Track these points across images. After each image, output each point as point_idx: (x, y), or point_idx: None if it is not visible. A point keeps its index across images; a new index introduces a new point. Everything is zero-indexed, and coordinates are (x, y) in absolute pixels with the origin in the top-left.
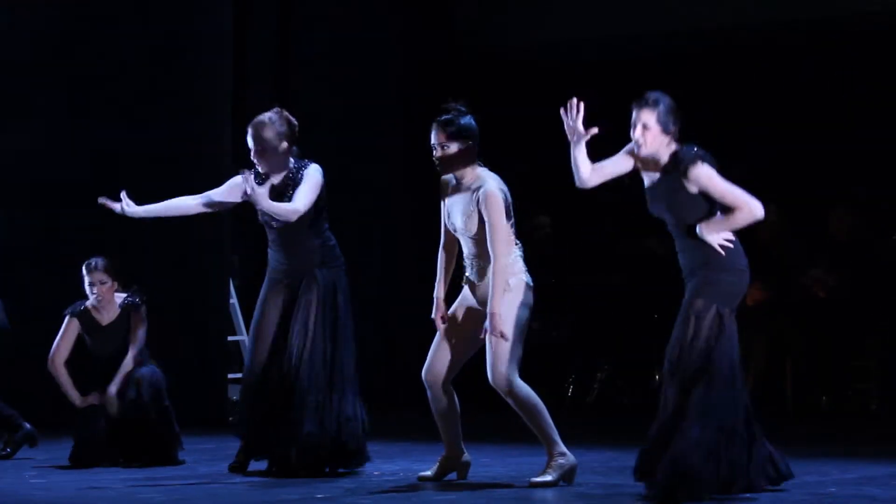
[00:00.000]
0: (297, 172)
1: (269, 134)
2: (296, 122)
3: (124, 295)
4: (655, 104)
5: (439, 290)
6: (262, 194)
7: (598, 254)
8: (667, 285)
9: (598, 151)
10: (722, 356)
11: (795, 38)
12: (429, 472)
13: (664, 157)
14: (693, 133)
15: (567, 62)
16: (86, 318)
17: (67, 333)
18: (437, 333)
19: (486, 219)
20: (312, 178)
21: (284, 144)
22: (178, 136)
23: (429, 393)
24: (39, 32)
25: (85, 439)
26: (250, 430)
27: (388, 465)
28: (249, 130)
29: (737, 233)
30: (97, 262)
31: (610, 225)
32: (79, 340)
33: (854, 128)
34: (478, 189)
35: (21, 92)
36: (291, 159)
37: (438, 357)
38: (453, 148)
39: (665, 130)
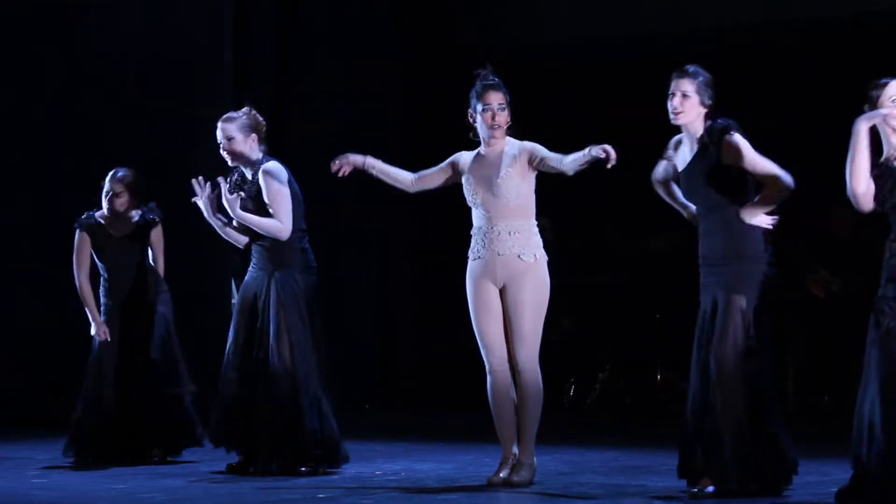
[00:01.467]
0: (257, 171)
1: (234, 126)
2: (263, 122)
3: (140, 212)
4: (695, 75)
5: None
6: (235, 203)
7: (599, 254)
8: (668, 285)
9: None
10: (763, 354)
11: (795, 38)
12: (494, 476)
13: (699, 130)
14: None
15: (568, 62)
16: (97, 230)
17: (82, 247)
18: (478, 323)
19: (537, 155)
20: (278, 186)
21: (252, 137)
22: (178, 147)
23: (494, 379)
24: (39, 35)
25: (84, 429)
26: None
27: (390, 464)
28: (219, 124)
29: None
30: (122, 172)
31: (611, 225)
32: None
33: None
34: (515, 147)
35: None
36: (260, 155)
37: (495, 340)
38: (507, 110)
39: (702, 102)
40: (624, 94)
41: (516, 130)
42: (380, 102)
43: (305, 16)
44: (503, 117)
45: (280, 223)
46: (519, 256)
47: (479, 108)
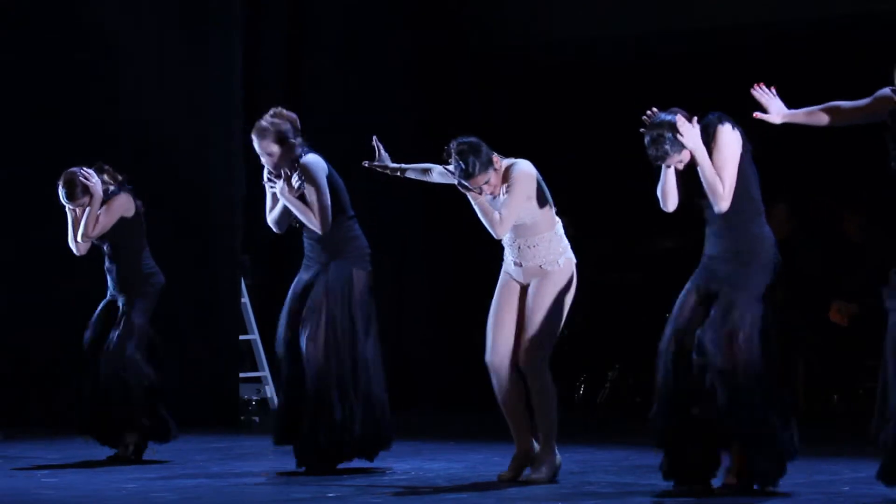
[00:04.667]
0: (296, 168)
1: (270, 140)
2: (295, 116)
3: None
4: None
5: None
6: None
7: (609, 252)
8: (678, 284)
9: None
10: (761, 348)
11: (796, 38)
12: (504, 473)
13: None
14: None
15: (571, 62)
16: None
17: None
18: (491, 317)
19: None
20: (316, 181)
21: (291, 141)
22: (186, 148)
23: (494, 378)
24: (45, 48)
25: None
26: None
27: (400, 463)
28: (254, 139)
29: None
30: (60, 193)
31: (621, 224)
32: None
33: (860, 129)
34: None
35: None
36: (298, 149)
37: (500, 338)
38: (481, 177)
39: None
40: (625, 94)
41: (517, 130)
42: (384, 104)
43: (313, 16)
44: (484, 188)
45: (318, 221)
46: (541, 266)
47: None
